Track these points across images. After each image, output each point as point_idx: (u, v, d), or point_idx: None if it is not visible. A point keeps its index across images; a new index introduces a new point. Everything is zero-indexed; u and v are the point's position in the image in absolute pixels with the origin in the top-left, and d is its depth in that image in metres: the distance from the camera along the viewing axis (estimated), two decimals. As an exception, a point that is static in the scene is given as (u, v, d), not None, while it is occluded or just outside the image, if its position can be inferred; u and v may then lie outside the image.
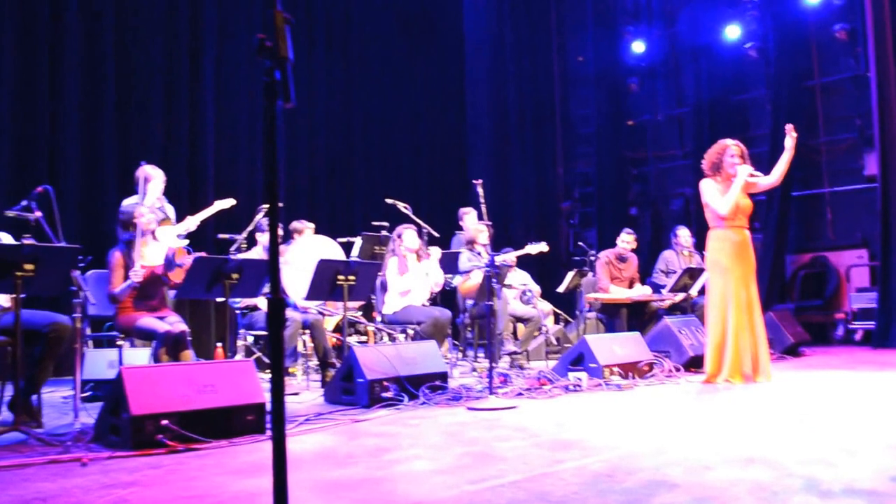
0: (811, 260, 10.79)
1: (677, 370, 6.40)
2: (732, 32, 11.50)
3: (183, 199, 7.32)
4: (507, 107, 13.06)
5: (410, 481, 3.08)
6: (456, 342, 8.30)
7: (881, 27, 9.06)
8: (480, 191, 6.17)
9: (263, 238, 6.79)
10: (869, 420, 4.19)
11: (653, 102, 12.98)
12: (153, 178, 6.40)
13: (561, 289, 9.30)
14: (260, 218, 6.98)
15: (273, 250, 2.02)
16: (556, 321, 9.51)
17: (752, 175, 6.07)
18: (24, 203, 4.78)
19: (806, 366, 7.22)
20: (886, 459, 3.21)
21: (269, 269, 2.00)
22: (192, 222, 6.55)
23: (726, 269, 5.97)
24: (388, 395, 5.13)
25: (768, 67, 11.27)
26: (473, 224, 8.08)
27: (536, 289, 8.68)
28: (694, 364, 6.54)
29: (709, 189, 6.12)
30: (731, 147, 6.12)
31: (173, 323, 5.33)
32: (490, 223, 6.52)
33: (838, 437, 3.70)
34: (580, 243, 10.29)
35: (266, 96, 1.95)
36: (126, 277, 5.30)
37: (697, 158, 11.63)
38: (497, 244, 8.09)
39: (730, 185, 6.04)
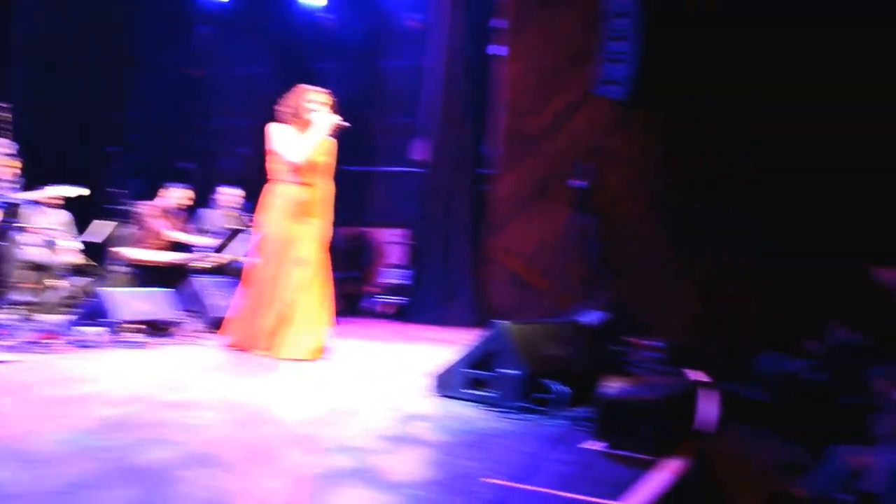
0: (354, 234, 11.28)
1: (203, 331, 6.23)
2: (314, -1, 10.92)
3: None
4: (66, 37, 11.56)
5: None
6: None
7: (442, 20, 9.45)
8: (7, 115, 5.39)
9: None
10: (377, 387, 4.44)
11: (225, 56, 12.46)
12: None
13: (97, 239, 8.62)
14: None
15: None
16: (85, 273, 8.74)
17: (339, 125, 5.45)
18: None
19: (336, 335, 7.42)
20: (379, 421, 3.44)
21: None
22: None
23: (285, 228, 5.33)
24: None
25: (343, 42, 11.27)
26: None
27: (75, 242, 7.83)
28: (220, 325, 6.11)
29: (281, 134, 5.35)
30: (311, 92, 5.52)
31: None
32: (16, 154, 5.74)
33: (346, 401, 3.89)
34: (120, 192, 9.53)
35: None
36: None
37: (258, 120, 11.50)
38: (31, 181, 7.18)
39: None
